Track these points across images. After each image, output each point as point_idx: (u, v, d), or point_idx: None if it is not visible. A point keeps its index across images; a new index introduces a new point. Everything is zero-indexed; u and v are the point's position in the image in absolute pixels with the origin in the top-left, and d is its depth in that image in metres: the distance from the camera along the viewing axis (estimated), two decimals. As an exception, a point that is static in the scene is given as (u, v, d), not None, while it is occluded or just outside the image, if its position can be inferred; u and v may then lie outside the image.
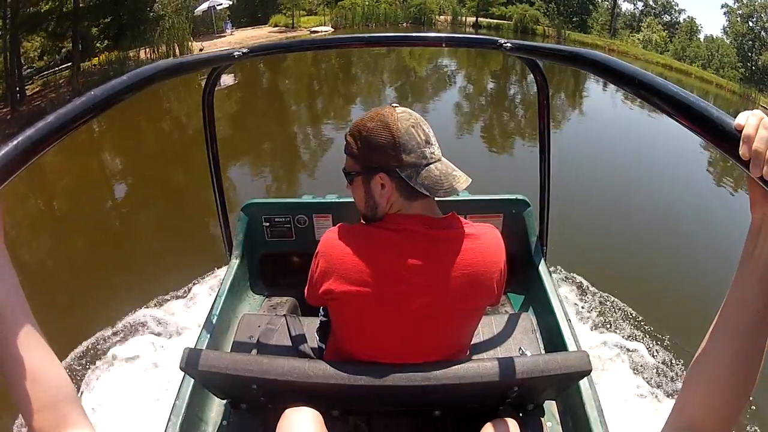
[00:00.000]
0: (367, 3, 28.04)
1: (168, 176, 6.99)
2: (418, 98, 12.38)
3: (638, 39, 31.17)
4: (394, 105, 1.13)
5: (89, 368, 3.02)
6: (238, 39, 20.56)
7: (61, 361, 0.63)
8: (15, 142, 0.59)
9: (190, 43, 17.06)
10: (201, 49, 16.82)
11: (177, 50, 16.18)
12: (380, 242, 1.10)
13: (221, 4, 21.68)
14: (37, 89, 13.17)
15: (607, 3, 33.49)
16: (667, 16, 32.40)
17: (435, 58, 18.40)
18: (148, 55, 15.29)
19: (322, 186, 4.67)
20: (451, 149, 1.32)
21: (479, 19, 30.75)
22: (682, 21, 31.59)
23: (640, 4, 33.39)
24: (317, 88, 13.93)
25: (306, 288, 1.26)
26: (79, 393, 2.76)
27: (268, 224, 2.22)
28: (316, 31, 24.23)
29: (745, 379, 0.59)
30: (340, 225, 1.17)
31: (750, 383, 0.59)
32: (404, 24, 28.30)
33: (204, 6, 20.72)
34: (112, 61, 14.49)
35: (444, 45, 1.57)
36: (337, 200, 2.25)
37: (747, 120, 0.52)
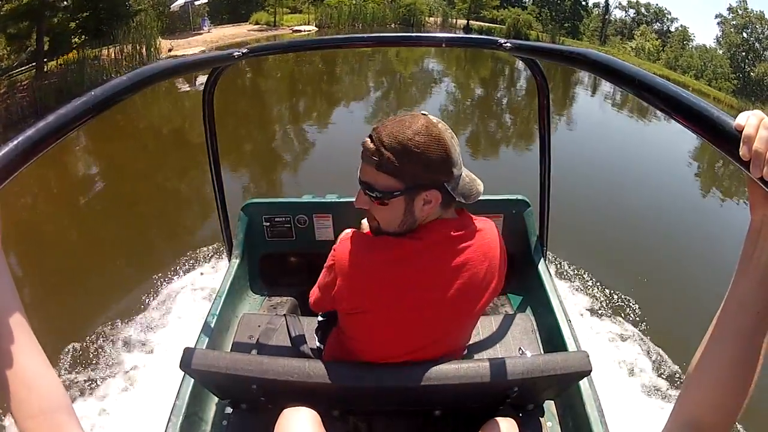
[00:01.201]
0: (354, 2, 27.81)
1: (167, 181, 6.99)
2: (408, 103, 12.44)
3: (630, 47, 31.69)
4: (424, 113, 1.09)
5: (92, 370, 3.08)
6: (215, 37, 19.96)
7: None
8: (15, 142, 0.61)
9: (158, 42, 15.86)
10: (170, 49, 15.77)
11: (144, 50, 15.00)
12: (412, 254, 1.09)
13: (198, -1, 20.73)
14: (2, 90, 11.89)
15: (598, 9, 34.11)
16: (659, 24, 33.08)
17: (421, 61, 18.45)
18: (112, 55, 14.08)
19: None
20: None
21: (470, 22, 30.78)
22: (673, 30, 32.28)
23: (631, 11, 34.05)
24: (301, 88, 13.85)
25: (314, 296, 1.27)
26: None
27: (268, 224, 2.27)
28: (299, 30, 23.87)
29: (744, 378, 0.61)
30: (359, 236, 1.15)
31: (749, 382, 0.61)
32: (392, 24, 28.16)
33: (180, 1, 19.76)
34: (69, 62, 13.25)
35: (444, 45, 1.61)
36: (337, 200, 2.30)
37: (747, 120, 0.53)
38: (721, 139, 0.56)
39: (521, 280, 2.17)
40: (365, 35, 1.80)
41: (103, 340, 3.28)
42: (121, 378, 2.99)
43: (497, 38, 1.47)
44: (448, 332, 1.19)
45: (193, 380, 1.48)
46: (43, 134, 0.64)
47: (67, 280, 4.21)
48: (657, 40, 31.47)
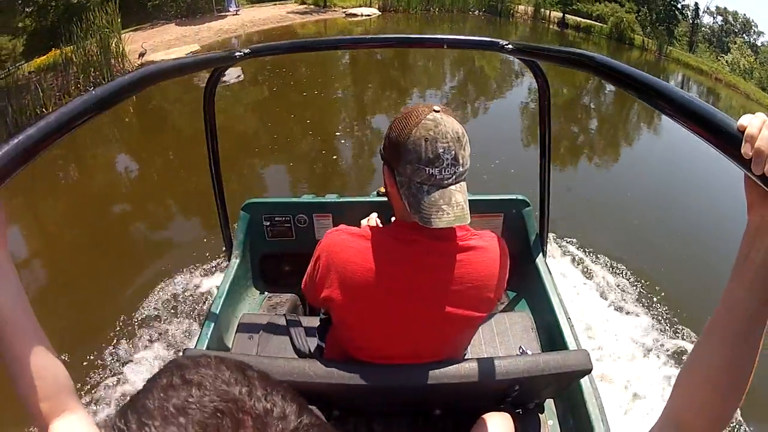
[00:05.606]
0: (431, -18, 23.69)
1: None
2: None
3: (726, 61, 29.81)
4: (437, 109, 1.08)
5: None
6: (238, 22, 16.19)
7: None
8: (16, 141, 0.63)
9: (118, 43, 10.54)
10: (142, 54, 11.17)
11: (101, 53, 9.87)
12: (385, 251, 1.15)
13: (222, -27, 16.72)
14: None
15: (688, 11, 32.01)
16: (746, 37, 30.99)
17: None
18: (62, 58, 9.58)
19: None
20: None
21: (566, 15, 27.15)
22: (760, 44, 30.19)
23: (719, 18, 32.02)
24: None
25: (304, 286, 1.33)
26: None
27: (268, 224, 2.33)
28: (355, 14, 19.81)
29: (736, 382, 0.62)
30: (344, 228, 1.22)
31: (741, 387, 0.62)
32: (476, 12, 25.03)
33: (201, -22, 16.15)
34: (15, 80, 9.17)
35: (445, 46, 1.66)
36: (337, 200, 2.37)
37: (750, 121, 0.56)
38: (723, 139, 0.58)
39: (521, 279, 2.21)
40: (367, 36, 1.94)
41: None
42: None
43: (498, 40, 1.53)
44: (438, 340, 1.23)
45: None
46: (43, 133, 0.67)
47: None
48: (751, 56, 29.46)
